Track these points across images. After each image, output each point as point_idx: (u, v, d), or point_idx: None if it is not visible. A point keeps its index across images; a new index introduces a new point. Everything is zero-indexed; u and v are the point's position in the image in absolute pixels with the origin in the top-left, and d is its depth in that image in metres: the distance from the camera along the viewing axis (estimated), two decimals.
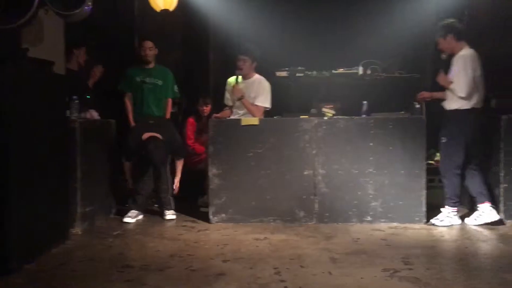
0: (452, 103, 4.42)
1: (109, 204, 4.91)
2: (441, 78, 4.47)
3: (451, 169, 4.45)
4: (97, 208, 4.55)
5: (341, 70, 5.83)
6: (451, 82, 4.38)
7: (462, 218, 4.53)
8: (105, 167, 4.78)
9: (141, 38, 5.14)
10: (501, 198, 4.52)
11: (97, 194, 4.58)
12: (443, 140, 4.47)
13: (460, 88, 4.33)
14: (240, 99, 4.85)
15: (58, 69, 4.21)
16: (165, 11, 5.34)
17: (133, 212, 4.72)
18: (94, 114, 4.71)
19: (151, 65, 4.91)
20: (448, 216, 4.44)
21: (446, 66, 4.51)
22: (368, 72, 5.73)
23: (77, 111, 4.29)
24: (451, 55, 4.48)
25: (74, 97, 4.27)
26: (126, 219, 4.65)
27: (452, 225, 4.40)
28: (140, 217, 4.78)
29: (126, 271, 3.26)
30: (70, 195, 4.10)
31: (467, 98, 4.34)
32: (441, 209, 4.49)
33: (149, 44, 4.85)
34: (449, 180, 4.47)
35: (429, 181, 4.76)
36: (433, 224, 4.42)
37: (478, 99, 4.41)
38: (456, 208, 4.47)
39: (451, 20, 4.54)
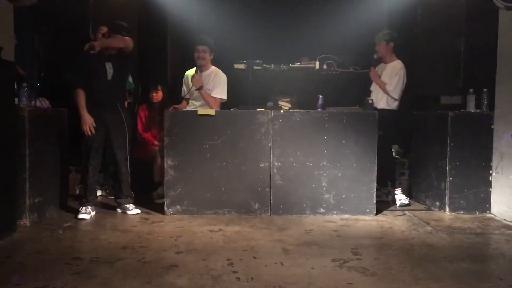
0: (384, 103, 5.08)
1: (61, 195, 4.77)
2: (375, 77, 5.11)
3: (391, 156, 5.16)
4: (47, 199, 4.43)
5: (298, 64, 5.90)
6: (385, 84, 5.04)
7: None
8: (57, 157, 4.64)
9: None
10: (447, 191, 4.71)
11: (48, 185, 4.45)
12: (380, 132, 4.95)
13: (397, 93, 5.03)
14: (199, 89, 4.82)
15: (7, 55, 4.05)
16: None
17: (87, 208, 4.53)
18: (45, 102, 4.56)
19: None
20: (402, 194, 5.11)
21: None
22: (324, 67, 5.84)
23: (26, 99, 4.15)
24: (380, 58, 5.18)
25: (24, 84, 4.12)
26: (81, 216, 4.44)
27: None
28: (93, 212, 4.59)
29: (74, 263, 3.19)
30: (18, 186, 3.97)
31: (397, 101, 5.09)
32: (396, 192, 5.10)
33: (104, 29, 4.65)
34: (392, 167, 5.13)
35: None
36: (401, 205, 5.02)
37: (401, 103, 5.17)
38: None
39: (395, 32, 5.23)
